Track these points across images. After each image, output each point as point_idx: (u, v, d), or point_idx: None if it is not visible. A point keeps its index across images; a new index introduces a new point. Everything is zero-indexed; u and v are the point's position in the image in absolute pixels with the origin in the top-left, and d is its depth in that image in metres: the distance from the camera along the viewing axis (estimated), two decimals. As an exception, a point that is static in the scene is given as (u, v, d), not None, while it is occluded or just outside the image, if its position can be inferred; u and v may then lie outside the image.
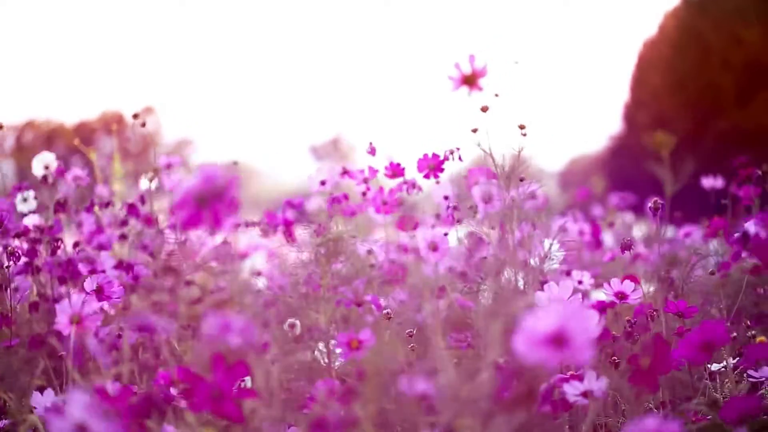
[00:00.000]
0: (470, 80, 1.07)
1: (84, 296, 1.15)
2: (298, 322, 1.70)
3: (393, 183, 1.96)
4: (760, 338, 1.27)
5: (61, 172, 2.23)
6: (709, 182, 2.54)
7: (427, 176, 1.82)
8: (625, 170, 9.42)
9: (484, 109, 1.32)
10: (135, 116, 2.30)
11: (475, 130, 1.38)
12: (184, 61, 29.96)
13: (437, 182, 1.84)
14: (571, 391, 0.97)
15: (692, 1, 9.47)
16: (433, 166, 1.82)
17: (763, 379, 1.44)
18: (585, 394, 0.98)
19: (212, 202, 0.82)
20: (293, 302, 1.35)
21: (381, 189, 1.98)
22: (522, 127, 1.40)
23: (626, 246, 1.66)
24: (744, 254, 1.48)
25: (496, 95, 1.27)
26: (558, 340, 0.71)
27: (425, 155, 1.82)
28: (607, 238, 2.95)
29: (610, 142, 11.70)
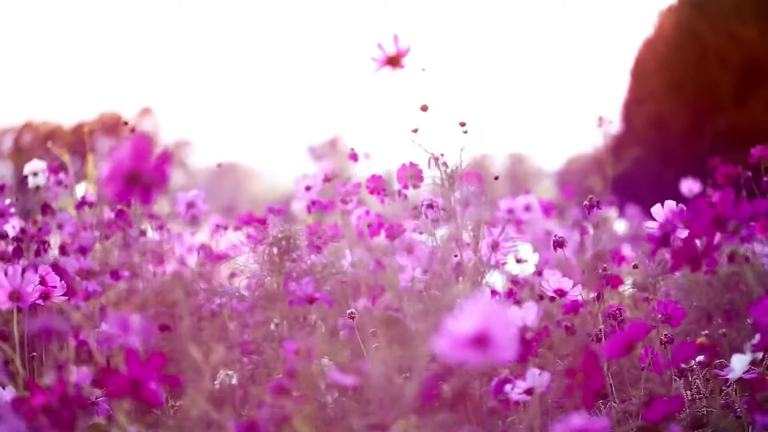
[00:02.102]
0: (394, 60, 1.07)
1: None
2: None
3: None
4: (700, 339, 1.27)
5: (54, 170, 2.24)
6: (687, 185, 2.53)
7: (406, 186, 1.76)
8: (623, 169, 9.37)
9: (424, 108, 1.30)
10: (125, 123, 2.30)
11: (415, 130, 1.34)
12: (183, 62, 29.98)
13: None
14: (514, 389, 0.97)
15: (689, -1, 9.44)
16: (411, 175, 1.78)
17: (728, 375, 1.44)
18: (528, 392, 0.98)
19: (141, 176, 0.81)
20: (252, 301, 1.36)
21: (367, 212, 1.93)
22: (462, 124, 1.35)
23: (559, 243, 1.60)
24: (662, 252, 1.47)
25: (423, 69, 1.23)
26: (480, 340, 0.71)
27: (403, 165, 1.76)
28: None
29: (608, 141, 11.66)
